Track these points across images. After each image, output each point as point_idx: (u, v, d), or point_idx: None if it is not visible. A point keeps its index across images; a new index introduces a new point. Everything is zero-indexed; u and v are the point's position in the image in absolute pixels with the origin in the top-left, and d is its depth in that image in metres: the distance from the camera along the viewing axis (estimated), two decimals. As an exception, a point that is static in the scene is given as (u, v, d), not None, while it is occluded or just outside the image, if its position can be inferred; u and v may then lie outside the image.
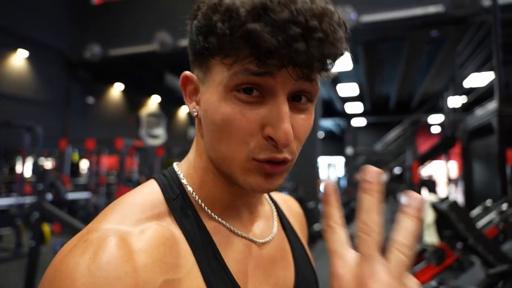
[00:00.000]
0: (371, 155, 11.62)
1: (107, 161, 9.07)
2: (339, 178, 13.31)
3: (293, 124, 0.39)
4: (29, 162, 7.67)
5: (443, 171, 7.35)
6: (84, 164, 10.70)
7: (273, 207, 0.56)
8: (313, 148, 6.82)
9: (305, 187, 6.63)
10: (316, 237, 6.30)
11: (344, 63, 9.54)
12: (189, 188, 0.44)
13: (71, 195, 6.38)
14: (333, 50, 0.36)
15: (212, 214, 0.44)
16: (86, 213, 7.49)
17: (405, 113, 13.01)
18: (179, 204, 0.42)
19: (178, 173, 0.46)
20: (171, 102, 13.10)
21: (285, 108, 0.37)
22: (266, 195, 0.56)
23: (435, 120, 11.25)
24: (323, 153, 21.10)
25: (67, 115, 9.99)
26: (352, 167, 12.36)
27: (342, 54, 0.39)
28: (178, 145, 13.13)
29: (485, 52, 4.74)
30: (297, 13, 0.34)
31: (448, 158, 7.01)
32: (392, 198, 15.54)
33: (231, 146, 0.39)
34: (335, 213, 0.32)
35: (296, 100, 0.39)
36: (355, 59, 9.67)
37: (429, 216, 3.36)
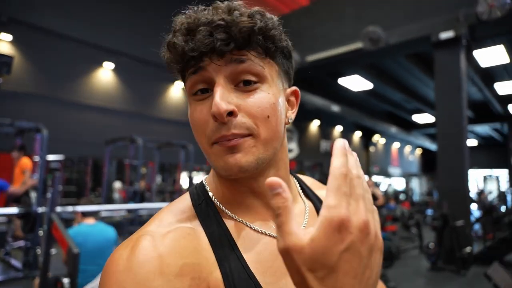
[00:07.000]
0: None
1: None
2: (503, 193, 11.04)
3: (240, 104, 0.45)
4: (184, 175, 9.06)
5: None
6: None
7: (308, 204, 0.59)
8: (459, 158, 5.91)
9: (450, 203, 5.78)
10: (467, 261, 5.39)
11: (500, 57, 8.05)
12: (210, 194, 0.53)
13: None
14: (242, 29, 0.43)
15: (231, 213, 0.51)
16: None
17: None
18: (203, 208, 0.51)
19: (204, 182, 0.55)
20: (302, 116, 13.44)
21: (218, 88, 0.44)
22: (301, 193, 0.60)
23: None
24: (478, 164, 17.90)
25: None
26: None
27: (256, 27, 0.44)
28: (310, 158, 13.31)
29: None
30: (206, 19, 0.43)
31: None
32: None
33: (201, 140, 0.47)
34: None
35: (246, 85, 0.46)
36: (515, 51, 8.01)
37: None
